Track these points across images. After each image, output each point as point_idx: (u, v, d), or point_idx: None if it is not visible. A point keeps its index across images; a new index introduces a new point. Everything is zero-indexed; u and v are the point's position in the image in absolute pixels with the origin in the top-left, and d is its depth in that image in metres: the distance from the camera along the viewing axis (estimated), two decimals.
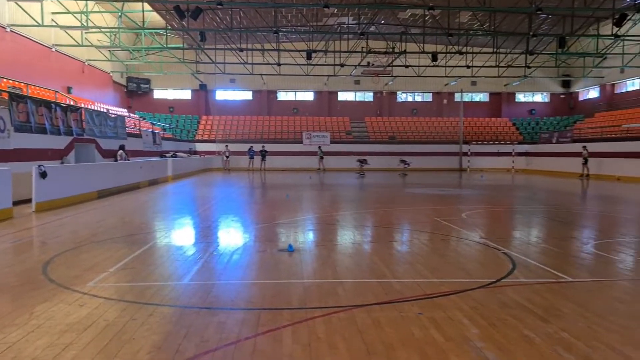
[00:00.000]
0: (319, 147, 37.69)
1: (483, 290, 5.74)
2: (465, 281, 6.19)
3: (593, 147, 31.35)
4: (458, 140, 41.04)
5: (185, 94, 44.98)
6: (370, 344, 4.14)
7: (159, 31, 33.24)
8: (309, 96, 46.02)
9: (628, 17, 25.39)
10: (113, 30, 31.85)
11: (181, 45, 36.49)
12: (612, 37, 27.92)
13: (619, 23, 24.47)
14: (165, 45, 32.02)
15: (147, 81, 42.90)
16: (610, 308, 5.15)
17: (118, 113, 28.87)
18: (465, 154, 40.08)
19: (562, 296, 5.56)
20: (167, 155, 29.74)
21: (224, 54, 35.76)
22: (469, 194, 19.46)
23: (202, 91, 44.24)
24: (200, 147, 40.29)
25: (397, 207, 15.01)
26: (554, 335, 4.33)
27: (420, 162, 39.58)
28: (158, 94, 44.38)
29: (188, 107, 44.67)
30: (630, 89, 39.00)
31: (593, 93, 43.25)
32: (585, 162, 30.64)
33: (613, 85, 40.78)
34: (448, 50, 33.46)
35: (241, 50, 31.36)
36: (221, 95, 45.48)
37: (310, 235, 9.84)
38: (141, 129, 29.73)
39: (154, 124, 36.80)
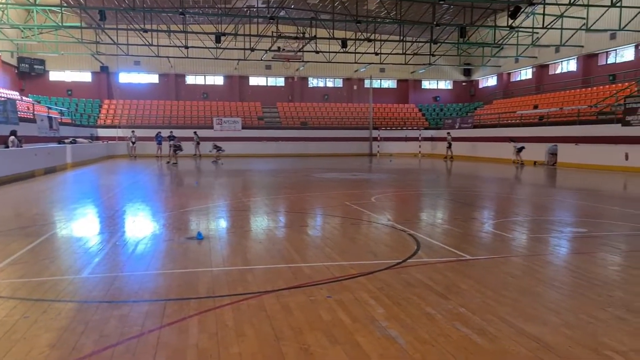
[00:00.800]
0: (195, 132, 35.25)
1: (389, 271, 5.92)
2: (373, 263, 6.35)
3: (491, 132, 33.38)
4: (368, 126, 42.04)
5: (85, 76, 42.32)
6: (278, 329, 4.13)
7: (53, 8, 30.86)
8: (219, 80, 45.01)
9: (522, 10, 27.08)
10: (1, 5, 29.17)
11: (79, 24, 34.18)
12: (508, 28, 29.73)
13: (513, 15, 26.04)
14: (60, 24, 29.80)
15: (42, 62, 39.83)
16: (504, 283, 5.50)
17: (8, 96, 26.64)
18: (375, 139, 41.15)
19: (461, 273, 5.86)
20: (66, 141, 27.92)
21: (127, 35, 33.93)
22: (379, 178, 20.02)
23: (104, 73, 41.86)
24: (103, 132, 38.12)
25: (309, 192, 15.12)
26: (453, 311, 4.56)
27: (332, 148, 40.16)
28: (54, 75, 41.34)
29: (88, 90, 42.06)
30: (523, 77, 41.83)
31: (491, 81, 45.92)
32: (449, 146, 34.93)
33: (509, 74, 43.53)
34: (357, 37, 34.01)
35: (145, 31, 29.97)
36: (125, 78, 43.26)
37: (220, 223, 9.67)
38: (35, 113, 27.63)
39: (50, 108, 34.41)
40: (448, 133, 36.30)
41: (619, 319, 4.36)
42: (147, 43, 33.05)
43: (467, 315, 4.46)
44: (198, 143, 34.90)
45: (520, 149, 27.69)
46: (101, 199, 13.38)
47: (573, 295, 5.09)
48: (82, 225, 9.29)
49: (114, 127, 38.27)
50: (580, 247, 7.48)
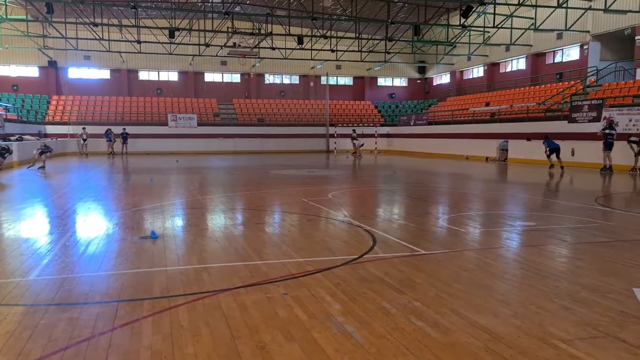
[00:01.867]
0: (83, 128, 34.84)
1: (346, 267, 5.96)
2: (330, 259, 6.38)
3: (445, 129, 34.09)
4: (325, 123, 42.17)
5: (32, 71, 40.76)
6: (234, 328, 4.10)
7: None
8: (173, 76, 44.19)
9: (473, 9, 27.76)
10: None
11: (24, 17, 32.80)
12: (460, 27, 30.41)
13: (465, 14, 26.67)
14: (5, 17, 28.56)
15: None
16: (457, 276, 5.63)
17: None
18: (332, 135, 41.32)
19: (415, 268, 5.97)
20: (12, 138, 26.79)
21: (76, 29, 32.81)
22: (335, 175, 20.13)
23: (52, 68, 40.40)
24: (51, 129, 36.79)
25: (265, 189, 15.06)
26: (408, 305, 4.64)
27: (290, 144, 40.09)
28: None
29: (35, 85, 40.51)
30: (475, 75, 42.90)
31: (445, 79, 46.89)
32: (354, 142, 35.74)
33: (462, 72, 44.54)
34: (313, 34, 34.04)
35: (96, 25, 29.05)
36: (74, 73, 41.89)
37: (176, 221, 9.50)
38: None
39: None
40: (353, 130, 37.66)
41: (565, 309, 4.54)
42: (97, 37, 32.09)
43: (421, 308, 4.55)
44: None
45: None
46: (50, 198, 12.92)
47: (522, 287, 5.26)
48: (29, 226, 8.95)
49: (64, 123, 36.99)
50: (530, 240, 7.74)
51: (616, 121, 21.00)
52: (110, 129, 34.90)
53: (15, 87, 39.82)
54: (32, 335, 3.97)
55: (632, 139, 19.55)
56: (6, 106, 34.53)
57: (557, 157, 21.71)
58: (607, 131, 19.94)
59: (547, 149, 21.86)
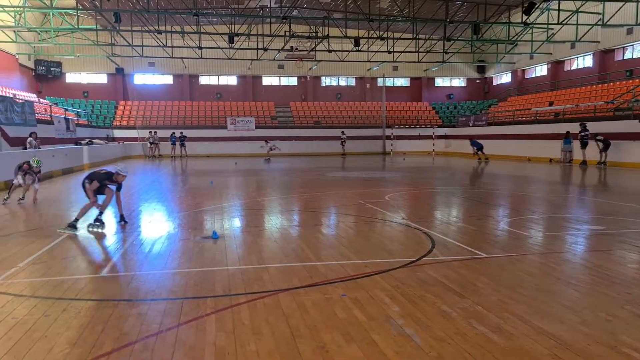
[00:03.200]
0: (150, 132, 36.49)
1: (404, 270, 5.92)
2: (388, 261, 6.36)
3: (506, 129, 33.11)
4: (381, 124, 41.93)
5: (101, 78, 42.80)
6: (294, 327, 4.16)
7: (69, 11, 31.24)
8: (232, 80, 45.22)
9: (536, 6, 26.83)
10: (18, 9, 29.60)
11: (94, 27, 34.50)
12: (522, 25, 29.44)
13: (527, 11, 25.79)
14: (76, 27, 30.14)
15: (59, 64, 40.38)
16: (520, 281, 5.47)
17: (25, 98, 27.03)
18: (388, 137, 41.00)
19: (476, 272, 5.84)
20: (82, 142, 28.25)
21: (142, 37, 34.24)
22: (392, 177, 19.97)
23: (119, 75, 42.26)
24: (118, 133, 38.50)
25: (322, 191, 15.15)
26: (469, 309, 4.55)
27: (346, 147, 40.10)
28: (71, 77, 41.89)
29: (104, 91, 42.54)
30: (538, 74, 41.43)
31: (506, 78, 45.54)
32: (342, 144, 37.82)
33: (524, 70, 43.13)
34: (370, 36, 33.93)
35: (160, 32, 30.19)
36: (140, 79, 43.67)
37: (235, 222, 9.73)
38: (53, 115, 27.99)
39: (67, 110, 34.82)
40: (342, 132, 38.62)
41: (637, 317, 4.32)
42: (161, 44, 33.35)
43: (483, 313, 4.45)
44: (153, 143, 35.45)
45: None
46: None
47: (590, 293, 5.05)
48: None
49: (130, 128, 38.62)
50: (597, 245, 7.42)
51: None
52: (174, 133, 36.17)
53: (85, 94, 41.97)
54: (105, 328, 4.18)
55: (598, 137, 23.27)
56: (77, 112, 36.46)
57: (481, 152, 29.76)
58: (582, 133, 24.20)
59: (475, 148, 29.38)
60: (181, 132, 36.33)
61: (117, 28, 30.65)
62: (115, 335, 4.03)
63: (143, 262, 6.53)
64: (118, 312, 4.57)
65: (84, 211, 8.42)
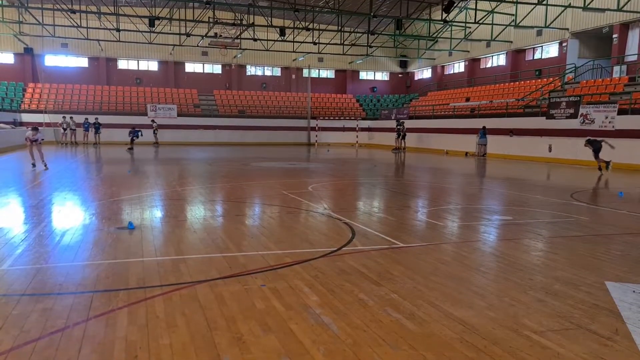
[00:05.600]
0: (63, 117, 34.71)
1: (324, 259, 5.97)
2: (309, 251, 6.39)
3: (426, 123, 34.27)
4: (306, 115, 42.08)
5: (7, 58, 39.83)
6: (211, 319, 4.08)
7: None
8: (153, 66, 43.60)
9: (455, 4, 27.86)
10: None
11: (0, 2, 32.05)
12: (442, 22, 30.51)
13: (447, 9, 26.71)
14: None
15: None
16: (434, 269, 5.68)
17: None
18: (313, 128, 41.25)
19: (394, 260, 6.00)
20: None
21: (53, 15, 32.19)
22: (316, 168, 20.12)
23: (28, 55, 39.53)
24: (27, 117, 35.99)
25: (246, 181, 14.99)
26: (385, 297, 4.67)
27: (270, 137, 39.96)
28: None
29: (11, 72, 39.58)
30: (456, 70, 43.19)
31: (426, 73, 47.10)
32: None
33: (443, 67, 44.79)
34: (295, 26, 33.87)
35: (74, 12, 28.55)
36: (51, 60, 41.04)
37: (153, 212, 9.40)
38: None
39: None
40: (152, 121, 35.40)
41: (538, 301, 4.61)
42: (75, 25, 31.49)
43: (398, 300, 4.58)
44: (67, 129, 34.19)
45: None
46: (25, 187, 12.68)
47: (497, 280, 5.33)
48: (3, 216, 8.78)
49: (40, 112, 36.25)
50: (506, 234, 7.85)
51: (592, 118, 21.37)
52: (87, 119, 34.35)
53: None
54: (4, 325, 3.90)
55: (589, 139, 20.49)
56: None
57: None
58: None
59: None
60: (96, 118, 34.52)
61: (26, 5, 28.59)
62: (15, 332, 3.77)
63: (50, 254, 6.16)
64: (20, 308, 4.27)
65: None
